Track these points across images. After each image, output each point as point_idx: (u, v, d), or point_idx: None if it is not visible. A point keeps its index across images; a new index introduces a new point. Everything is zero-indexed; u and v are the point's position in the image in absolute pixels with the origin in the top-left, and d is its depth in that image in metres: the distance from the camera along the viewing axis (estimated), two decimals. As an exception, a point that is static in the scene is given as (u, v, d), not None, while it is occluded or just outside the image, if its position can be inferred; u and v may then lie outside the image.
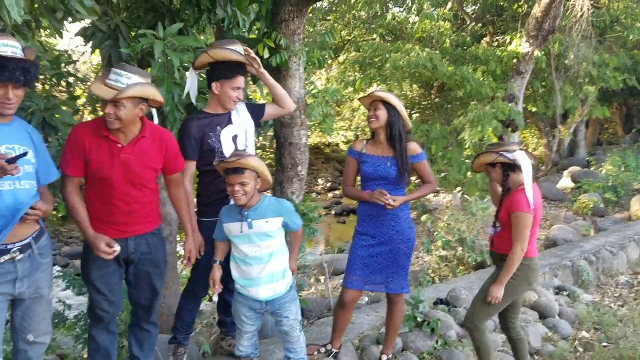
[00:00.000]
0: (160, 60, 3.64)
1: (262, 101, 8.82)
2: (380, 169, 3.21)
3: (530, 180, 3.15)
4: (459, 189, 10.38)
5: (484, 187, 10.23)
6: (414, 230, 3.37)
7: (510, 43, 10.87)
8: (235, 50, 3.09)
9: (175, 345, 3.28)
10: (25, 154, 2.25)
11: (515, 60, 10.50)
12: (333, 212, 15.24)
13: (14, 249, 2.35)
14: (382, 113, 3.17)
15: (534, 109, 12.69)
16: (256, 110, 3.41)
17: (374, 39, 12.90)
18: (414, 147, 3.27)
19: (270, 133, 6.14)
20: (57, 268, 9.31)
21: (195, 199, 3.37)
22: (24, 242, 2.40)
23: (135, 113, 2.62)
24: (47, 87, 5.49)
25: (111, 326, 2.91)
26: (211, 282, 2.92)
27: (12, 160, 2.18)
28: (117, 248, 2.64)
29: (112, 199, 2.68)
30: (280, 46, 4.31)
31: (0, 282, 2.33)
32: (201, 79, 3.82)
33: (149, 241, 2.86)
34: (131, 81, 2.54)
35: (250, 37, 4.71)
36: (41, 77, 5.50)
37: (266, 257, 2.86)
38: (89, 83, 5.91)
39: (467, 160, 10.40)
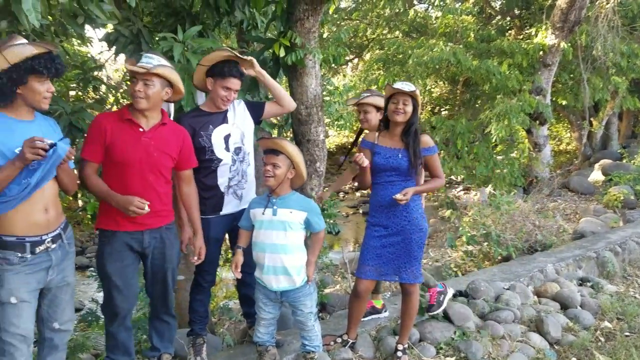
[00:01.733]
0: (179, 63, 3.76)
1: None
2: (392, 160, 3.25)
3: None
4: (489, 188, 10.29)
5: (512, 182, 10.15)
6: (426, 220, 3.39)
7: (536, 35, 10.73)
8: (222, 48, 3.18)
9: (193, 336, 3.40)
10: (54, 144, 2.34)
11: (541, 53, 10.38)
12: (361, 212, 15.21)
13: (48, 239, 2.50)
14: (410, 109, 3.22)
15: (563, 102, 12.46)
16: (255, 109, 3.47)
17: (397, 37, 12.89)
18: (426, 140, 3.30)
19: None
20: (91, 268, 9.63)
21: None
22: (55, 233, 2.54)
23: (161, 95, 2.80)
24: (77, 92, 5.70)
25: (127, 321, 3.01)
26: (233, 266, 3.06)
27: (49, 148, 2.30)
28: (147, 207, 2.69)
29: (131, 186, 2.77)
30: (296, 44, 4.39)
31: (37, 270, 2.47)
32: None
33: (162, 236, 2.97)
34: (160, 62, 2.76)
35: (268, 37, 4.80)
36: (71, 84, 5.72)
37: (282, 248, 2.97)
38: (120, 90, 6.11)
39: (495, 155, 10.34)
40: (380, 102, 3.63)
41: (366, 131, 3.76)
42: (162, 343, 3.20)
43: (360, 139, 3.73)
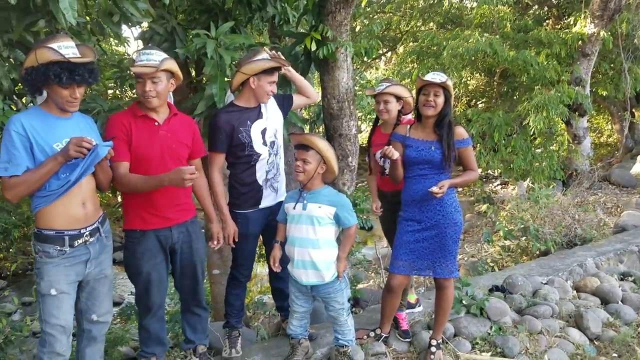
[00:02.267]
0: (212, 59, 3.80)
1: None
2: (424, 153, 3.19)
3: None
4: (527, 182, 10.08)
5: (551, 175, 9.92)
6: (461, 214, 3.33)
7: (574, 24, 10.43)
8: (264, 59, 3.18)
9: (229, 329, 3.44)
10: (96, 146, 2.41)
11: (580, 42, 10.09)
12: (394, 207, 15.13)
13: (86, 232, 2.57)
14: (441, 100, 3.15)
15: (604, 93, 12.08)
16: (285, 102, 3.51)
17: (431, 28, 12.72)
18: (460, 131, 3.23)
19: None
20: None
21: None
22: (93, 227, 2.61)
23: (168, 88, 2.83)
24: (115, 91, 5.84)
25: (160, 313, 3.07)
26: (271, 260, 3.12)
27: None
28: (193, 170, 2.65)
29: None
30: (328, 38, 4.38)
31: (76, 262, 2.55)
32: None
33: (189, 229, 3.02)
34: (161, 57, 2.75)
35: (299, 31, 4.81)
36: (109, 83, 5.87)
37: (310, 242, 2.98)
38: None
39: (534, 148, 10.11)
40: (401, 91, 3.57)
41: (382, 122, 3.75)
42: (196, 335, 3.26)
43: (374, 132, 3.76)
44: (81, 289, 2.66)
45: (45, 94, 2.48)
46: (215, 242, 3.21)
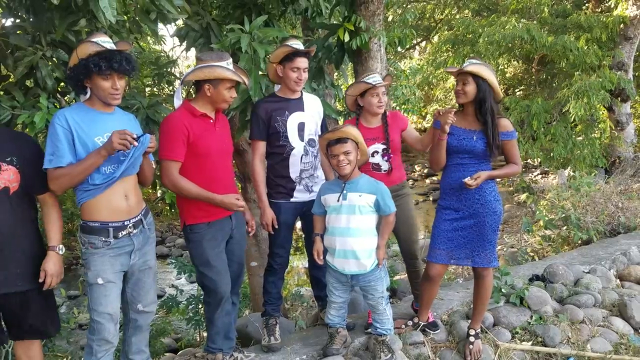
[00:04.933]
0: (247, 53, 3.86)
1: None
2: (466, 142, 3.14)
3: None
4: (568, 170, 9.83)
5: (593, 163, 9.65)
6: (501, 203, 3.27)
7: (615, 7, 10.10)
8: (284, 44, 3.24)
9: (266, 317, 3.49)
10: (140, 136, 2.50)
11: (622, 25, 9.77)
12: (431, 199, 15.01)
13: (129, 224, 2.65)
14: (471, 88, 3.06)
15: (648, 77, 11.68)
16: (323, 127, 3.53)
17: (467, 16, 12.51)
18: (505, 124, 3.15)
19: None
20: (171, 257, 10.09)
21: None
22: (136, 219, 2.70)
23: None
24: (153, 88, 5.98)
25: (227, 305, 3.10)
26: (315, 253, 3.15)
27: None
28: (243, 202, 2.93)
29: (214, 175, 2.91)
30: (361, 28, 4.37)
31: (120, 253, 2.63)
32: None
33: (239, 216, 3.13)
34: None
35: (332, 23, 4.82)
36: (147, 80, 6.00)
37: (352, 232, 2.99)
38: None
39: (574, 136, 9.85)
40: (486, 72, 3.05)
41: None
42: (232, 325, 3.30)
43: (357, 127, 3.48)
44: (127, 279, 2.75)
45: (89, 92, 2.57)
46: (250, 229, 3.29)
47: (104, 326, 2.58)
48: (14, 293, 2.54)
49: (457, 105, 3.32)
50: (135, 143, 2.44)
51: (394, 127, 3.49)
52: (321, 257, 3.15)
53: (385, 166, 3.44)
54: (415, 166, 19.68)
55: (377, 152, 3.43)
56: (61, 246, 2.64)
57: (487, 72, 3.06)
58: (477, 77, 3.04)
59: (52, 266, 2.58)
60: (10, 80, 3.58)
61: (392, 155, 3.44)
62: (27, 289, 2.57)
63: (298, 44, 3.25)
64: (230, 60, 2.87)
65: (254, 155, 3.34)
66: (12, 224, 2.49)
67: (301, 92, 3.43)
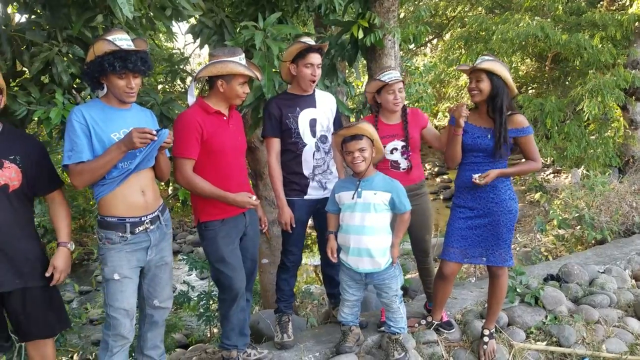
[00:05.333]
0: (260, 50, 3.85)
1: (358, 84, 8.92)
2: (479, 140, 3.10)
3: None
4: (581, 169, 9.74)
5: (607, 162, 9.56)
6: (516, 202, 3.24)
7: (630, 5, 9.97)
8: (297, 41, 3.26)
9: (279, 314, 3.49)
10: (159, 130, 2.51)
11: (637, 24, 9.63)
12: (441, 197, 14.95)
13: (146, 220, 2.66)
14: (485, 85, 3.01)
15: (663, 76, 11.51)
16: (336, 123, 3.51)
17: (480, 13, 12.41)
18: (520, 120, 3.09)
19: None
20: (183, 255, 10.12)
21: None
22: (153, 215, 2.71)
23: None
24: (165, 86, 6.00)
25: (242, 302, 3.10)
26: (329, 251, 3.14)
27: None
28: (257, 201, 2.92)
29: (227, 172, 2.91)
30: (375, 25, 4.34)
31: (137, 249, 2.64)
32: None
33: (252, 213, 3.14)
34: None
35: (346, 20, 4.79)
36: (159, 77, 6.02)
37: (367, 230, 2.98)
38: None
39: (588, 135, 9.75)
40: (500, 69, 3.01)
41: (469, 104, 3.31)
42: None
43: (376, 124, 3.43)
44: (143, 275, 2.75)
45: (105, 88, 2.57)
46: (264, 226, 3.32)
47: (120, 322, 2.59)
48: (13, 292, 2.52)
49: (469, 102, 3.28)
50: (155, 138, 2.44)
51: (414, 125, 3.45)
52: (335, 255, 3.13)
53: (404, 164, 3.42)
54: (426, 164, 19.62)
55: (395, 149, 3.40)
56: (72, 243, 2.65)
57: (500, 68, 3.01)
58: (490, 74, 3.00)
59: (61, 262, 2.59)
60: (26, 76, 3.59)
61: (411, 153, 3.41)
62: (24, 286, 2.54)
63: (310, 41, 3.24)
64: (243, 55, 2.86)
65: (270, 153, 3.33)
66: (10, 223, 2.48)
67: (313, 89, 3.42)
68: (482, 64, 3.00)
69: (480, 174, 3.05)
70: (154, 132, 2.43)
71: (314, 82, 3.29)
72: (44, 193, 2.64)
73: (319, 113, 3.37)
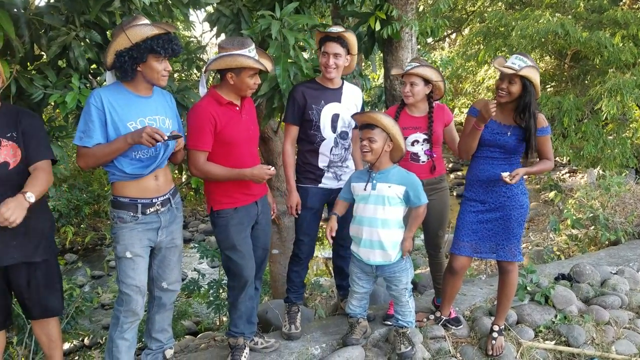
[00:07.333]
0: (277, 40, 3.84)
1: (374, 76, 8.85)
2: (499, 137, 3.07)
3: None
4: (597, 169, 9.63)
5: (623, 163, 9.44)
6: (527, 196, 3.21)
7: (654, 3, 9.81)
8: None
9: (289, 305, 3.50)
10: (177, 136, 2.55)
11: (660, 22, 9.46)
12: (454, 194, 14.82)
13: (157, 202, 2.70)
14: (517, 89, 2.96)
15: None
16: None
17: (500, 8, 12.27)
18: (540, 120, 3.06)
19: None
20: (194, 242, 10.19)
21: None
22: (164, 197, 2.75)
23: None
24: (181, 74, 6.00)
25: (250, 290, 3.10)
26: (327, 229, 3.11)
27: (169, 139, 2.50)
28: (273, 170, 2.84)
29: (241, 162, 2.89)
30: (392, 17, 4.31)
31: (148, 229, 2.69)
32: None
33: (264, 202, 3.14)
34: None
35: (363, 11, 4.76)
36: (176, 66, 6.00)
37: (379, 222, 2.97)
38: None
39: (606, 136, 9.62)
40: (430, 74, 3.29)
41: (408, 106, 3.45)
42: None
43: (399, 115, 3.42)
44: (153, 256, 2.79)
45: (119, 75, 2.58)
46: (272, 211, 3.30)
47: (132, 298, 2.64)
48: (16, 266, 2.54)
49: (491, 99, 3.23)
50: (162, 140, 2.46)
51: (438, 120, 3.42)
52: (333, 234, 3.07)
53: (423, 157, 3.39)
54: (440, 160, 19.47)
55: (417, 141, 3.38)
56: (31, 194, 2.31)
57: (536, 75, 2.96)
58: (524, 79, 2.94)
59: (10, 201, 2.23)
60: (43, 59, 3.63)
61: (432, 147, 3.39)
62: (28, 261, 2.55)
63: (333, 29, 3.21)
64: (253, 46, 2.82)
65: (286, 138, 3.33)
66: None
67: (342, 81, 3.39)
68: (523, 70, 2.90)
69: (509, 173, 3.01)
70: (166, 137, 2.46)
71: (329, 72, 3.23)
72: (33, 162, 2.52)
73: (343, 109, 3.34)
